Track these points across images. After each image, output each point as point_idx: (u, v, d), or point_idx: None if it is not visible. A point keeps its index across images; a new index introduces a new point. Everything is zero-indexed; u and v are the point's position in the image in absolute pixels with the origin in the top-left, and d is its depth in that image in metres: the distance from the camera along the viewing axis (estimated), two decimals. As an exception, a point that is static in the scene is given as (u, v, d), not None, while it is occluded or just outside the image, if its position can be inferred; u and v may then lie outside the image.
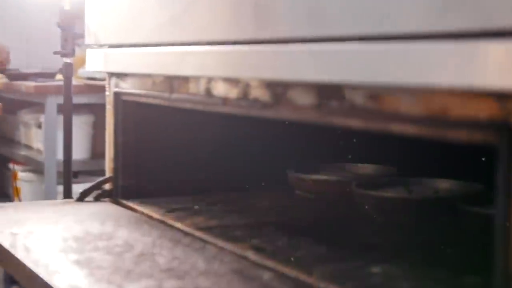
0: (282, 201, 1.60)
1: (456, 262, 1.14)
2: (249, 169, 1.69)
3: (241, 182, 1.69)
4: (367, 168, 1.73)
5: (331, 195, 1.56)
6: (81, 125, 3.06)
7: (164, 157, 1.62)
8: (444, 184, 1.50)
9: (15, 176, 3.41)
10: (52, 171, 2.96)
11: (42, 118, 3.14)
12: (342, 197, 1.51)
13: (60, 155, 2.84)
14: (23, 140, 3.54)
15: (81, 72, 2.97)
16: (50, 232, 1.32)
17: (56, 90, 2.89)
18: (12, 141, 3.67)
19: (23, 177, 3.37)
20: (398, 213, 1.38)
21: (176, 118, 1.61)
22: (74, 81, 2.76)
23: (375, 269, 1.10)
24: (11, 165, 3.46)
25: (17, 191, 3.40)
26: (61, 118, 2.71)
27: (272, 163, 1.70)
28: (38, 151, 3.25)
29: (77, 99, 2.74)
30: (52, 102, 3.01)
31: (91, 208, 1.54)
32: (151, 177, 1.61)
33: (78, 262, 1.13)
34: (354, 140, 1.67)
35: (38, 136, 3.27)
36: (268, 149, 1.72)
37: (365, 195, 1.44)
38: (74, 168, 2.86)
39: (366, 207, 1.42)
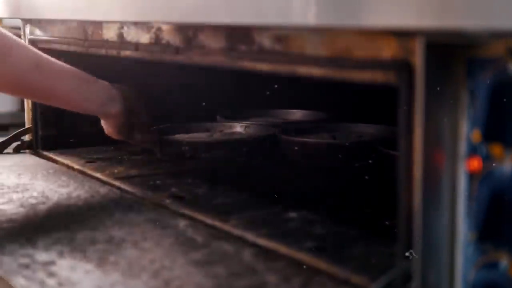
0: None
1: (374, 205, 1.14)
2: (175, 117, 1.66)
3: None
4: (296, 114, 1.72)
5: (257, 141, 1.53)
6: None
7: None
8: (368, 129, 1.51)
9: None
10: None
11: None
12: (268, 143, 1.49)
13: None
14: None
15: (7, 21, 2.89)
16: (-37, 186, 1.28)
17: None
18: None
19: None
20: (320, 158, 1.38)
21: (96, 65, 1.57)
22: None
23: (292, 215, 1.09)
24: None
25: None
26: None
27: (199, 110, 1.67)
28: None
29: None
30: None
31: (9, 160, 1.50)
32: (72, 127, 1.58)
33: (-12, 216, 1.10)
34: (285, 86, 1.65)
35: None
36: (196, 96, 1.69)
37: (288, 141, 1.43)
38: (4, 121, 2.80)
39: (290, 152, 1.42)
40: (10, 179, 1.32)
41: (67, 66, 1.29)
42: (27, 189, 1.25)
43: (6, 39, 1.20)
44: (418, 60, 0.70)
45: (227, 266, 0.89)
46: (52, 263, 0.90)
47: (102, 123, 1.36)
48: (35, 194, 1.22)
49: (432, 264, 0.72)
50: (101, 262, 0.91)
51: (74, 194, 1.21)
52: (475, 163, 0.69)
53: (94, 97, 1.30)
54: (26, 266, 0.89)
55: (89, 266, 0.89)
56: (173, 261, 0.91)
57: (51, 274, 0.86)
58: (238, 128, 1.58)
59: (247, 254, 0.93)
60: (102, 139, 1.57)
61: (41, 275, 0.86)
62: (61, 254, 0.93)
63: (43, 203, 1.16)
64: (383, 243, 0.95)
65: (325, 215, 1.09)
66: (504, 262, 0.68)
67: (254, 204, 1.15)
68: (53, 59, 1.27)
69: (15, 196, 1.20)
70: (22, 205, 1.15)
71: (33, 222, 1.06)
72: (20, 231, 1.03)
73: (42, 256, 0.93)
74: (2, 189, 1.25)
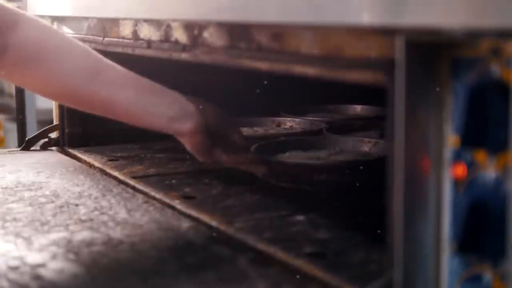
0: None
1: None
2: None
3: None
4: (355, 110, 1.69)
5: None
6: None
7: (111, 104, 1.56)
8: None
9: (-1, 125, 3.39)
10: (31, 120, 2.93)
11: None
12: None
13: (39, 103, 2.82)
14: (7, 89, 3.50)
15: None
16: (-21, 183, 1.28)
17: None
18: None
19: (6, 126, 3.35)
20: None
21: (124, 63, 1.55)
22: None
23: (300, 218, 1.05)
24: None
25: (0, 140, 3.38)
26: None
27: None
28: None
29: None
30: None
31: (34, 157, 1.50)
32: (98, 125, 1.56)
33: (-5, 214, 1.09)
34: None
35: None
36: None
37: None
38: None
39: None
40: (28, 177, 1.31)
41: (130, 73, 1.14)
42: (41, 188, 1.24)
43: (65, 40, 1.14)
44: (399, 59, 0.66)
45: (219, 271, 0.86)
46: (42, 265, 0.88)
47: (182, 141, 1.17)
48: (47, 192, 1.21)
49: (416, 275, 0.68)
50: (92, 265, 0.89)
51: (86, 194, 1.20)
52: (460, 170, 0.64)
53: (161, 111, 1.12)
54: (15, 269, 0.87)
55: (78, 269, 0.87)
56: (165, 265, 0.88)
57: (37, 278, 0.84)
58: (294, 124, 1.55)
59: (243, 259, 0.90)
60: (129, 137, 1.56)
61: (26, 278, 0.84)
62: (54, 256, 0.91)
63: (52, 202, 1.15)
64: (386, 249, 0.91)
65: (334, 219, 1.05)
66: (487, 275, 0.63)
67: (265, 206, 1.12)
68: (113, 65, 1.14)
69: (27, 194, 1.20)
70: (30, 204, 1.14)
71: (35, 222, 1.05)
72: (20, 231, 1.01)
73: (34, 258, 0.91)
74: (17, 187, 1.25)
